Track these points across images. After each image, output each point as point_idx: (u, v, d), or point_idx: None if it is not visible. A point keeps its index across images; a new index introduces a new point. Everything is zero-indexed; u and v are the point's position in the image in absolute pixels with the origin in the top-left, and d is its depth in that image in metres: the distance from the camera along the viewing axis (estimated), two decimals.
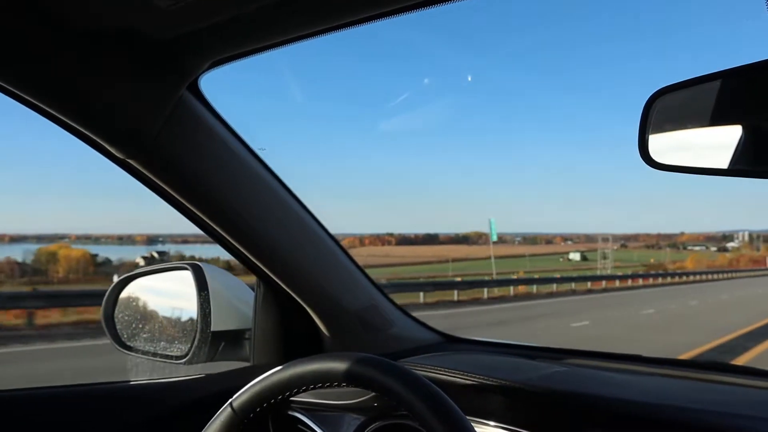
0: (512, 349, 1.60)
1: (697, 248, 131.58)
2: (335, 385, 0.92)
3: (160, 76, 1.00)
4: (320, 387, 0.93)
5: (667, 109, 0.72)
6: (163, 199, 1.20)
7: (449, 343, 1.65)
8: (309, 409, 1.29)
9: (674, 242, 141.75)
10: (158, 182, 1.15)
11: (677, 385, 1.27)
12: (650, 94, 0.74)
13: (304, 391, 0.94)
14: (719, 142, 0.68)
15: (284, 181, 1.28)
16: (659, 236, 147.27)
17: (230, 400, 0.96)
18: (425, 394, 0.85)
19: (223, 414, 0.96)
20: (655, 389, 1.22)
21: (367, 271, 1.51)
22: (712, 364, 1.41)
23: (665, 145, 0.74)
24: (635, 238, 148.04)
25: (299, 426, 1.28)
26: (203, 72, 1.04)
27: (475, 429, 1.10)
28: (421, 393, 0.86)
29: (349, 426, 1.23)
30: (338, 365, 0.91)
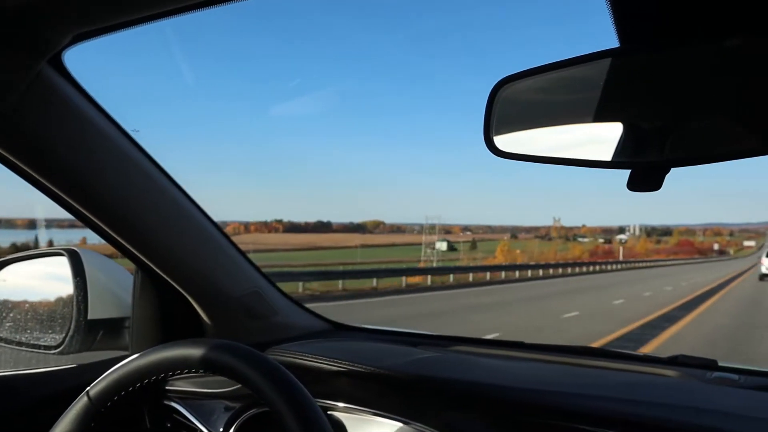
0: (399, 336, 1.64)
1: (585, 240, 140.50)
2: (194, 372, 0.91)
3: (14, 48, 0.91)
4: (179, 374, 0.92)
5: (513, 97, 0.73)
6: (27, 181, 1.13)
7: (338, 330, 1.67)
8: (185, 398, 1.28)
9: (565, 234, 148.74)
10: (18, 163, 1.08)
11: (551, 370, 1.33)
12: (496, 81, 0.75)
13: (163, 378, 0.93)
14: (562, 132, 0.70)
15: (162, 165, 1.24)
16: (561, 228, 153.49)
17: (87, 389, 0.95)
18: (273, 378, 0.87)
19: (80, 403, 0.94)
20: (529, 374, 1.26)
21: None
22: (588, 349, 1.47)
23: (509, 133, 0.75)
24: (536, 230, 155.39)
25: (175, 415, 1.26)
26: (67, 46, 0.97)
27: (327, 411, 1.17)
28: (269, 377, 0.87)
29: (223, 414, 1.24)
30: (194, 352, 0.90)
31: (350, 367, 1.20)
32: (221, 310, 1.44)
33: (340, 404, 1.19)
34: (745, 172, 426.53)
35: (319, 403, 0.95)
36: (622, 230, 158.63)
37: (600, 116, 0.66)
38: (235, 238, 1.47)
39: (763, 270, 28.88)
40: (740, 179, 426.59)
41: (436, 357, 1.35)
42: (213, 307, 1.43)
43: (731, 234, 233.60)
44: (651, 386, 1.18)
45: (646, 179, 0.62)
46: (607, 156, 0.65)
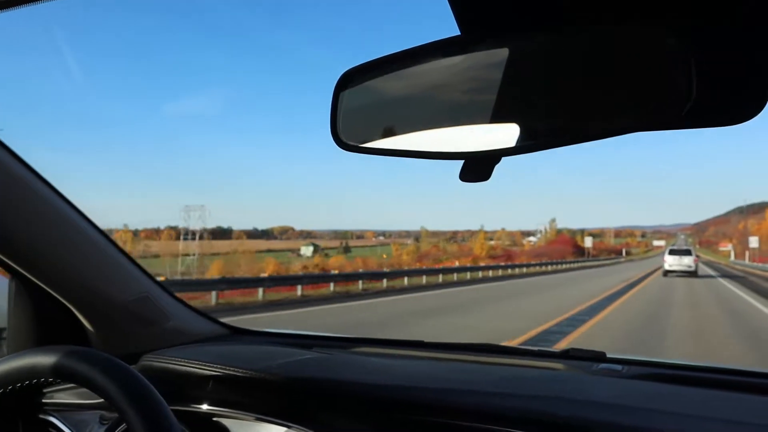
0: (297, 339, 1.67)
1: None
2: (44, 381, 0.91)
3: None
4: (30, 384, 0.92)
5: (358, 89, 0.73)
6: None
7: (234, 335, 1.68)
8: (62, 410, 1.26)
9: (460, 237, 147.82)
10: None
11: (444, 368, 1.36)
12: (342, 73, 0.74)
13: (12, 390, 0.93)
14: (403, 124, 0.70)
15: (34, 168, 1.22)
16: (465, 232, 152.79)
17: None
18: (125, 386, 0.86)
19: None
20: (419, 372, 1.28)
21: None
22: (487, 346, 1.49)
23: (355, 125, 0.74)
24: (444, 234, 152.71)
25: (50, 429, 1.23)
26: None
27: (213, 417, 1.19)
28: (121, 384, 0.86)
29: (99, 426, 1.22)
30: (43, 360, 0.89)
31: (225, 371, 1.20)
32: (105, 318, 1.43)
33: (217, 409, 1.19)
34: (659, 176, 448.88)
35: (192, 409, 1.09)
36: (530, 233, 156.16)
37: (438, 107, 0.68)
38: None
39: (666, 267, 31.42)
40: (655, 182, 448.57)
41: (321, 358, 1.37)
42: (96, 315, 1.42)
43: (643, 235, 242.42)
44: (536, 379, 1.22)
45: (476, 170, 0.65)
46: (444, 147, 0.66)
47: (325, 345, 1.57)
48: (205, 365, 1.20)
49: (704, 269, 41.83)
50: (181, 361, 1.23)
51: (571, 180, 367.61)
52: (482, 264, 43.88)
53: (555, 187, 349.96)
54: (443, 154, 0.66)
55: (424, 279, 23.71)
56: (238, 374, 1.18)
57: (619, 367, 1.28)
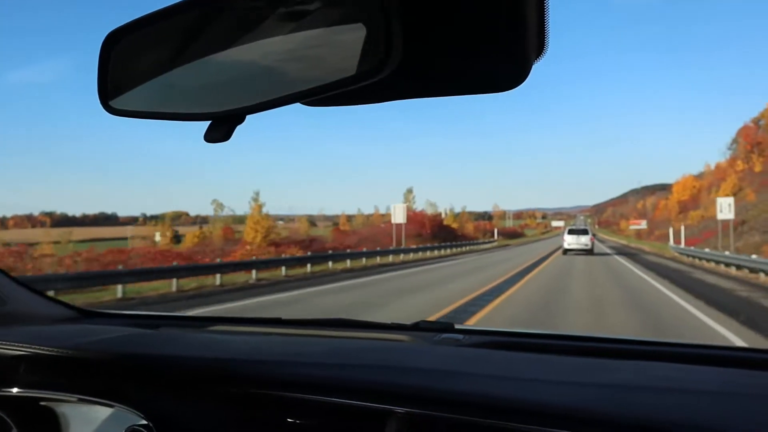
0: (147, 320, 1.64)
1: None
2: None
3: None
4: None
5: (124, 50, 0.69)
6: None
7: (84, 317, 1.63)
8: None
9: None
10: None
11: (293, 343, 1.37)
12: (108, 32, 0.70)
13: None
14: (162, 85, 0.67)
15: None
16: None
17: None
18: None
19: None
20: (259, 347, 1.29)
21: None
22: (344, 321, 1.56)
23: (123, 89, 0.70)
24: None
25: None
26: None
27: (36, 400, 1.17)
28: None
29: None
30: None
31: (36, 351, 1.17)
32: None
33: (33, 391, 1.17)
34: (558, 162, 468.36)
35: (3, 393, 1.09)
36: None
37: (190, 68, 0.65)
38: None
39: (565, 245, 33.31)
40: (556, 167, 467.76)
41: (157, 335, 1.39)
42: None
43: (544, 216, 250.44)
44: (379, 350, 1.26)
45: (219, 129, 0.63)
46: (193, 108, 0.66)
47: (178, 324, 1.59)
48: (12, 345, 1.17)
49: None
50: None
51: (477, 166, 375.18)
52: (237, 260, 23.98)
53: (461, 171, 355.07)
54: (193, 115, 0.65)
55: None
56: (51, 353, 1.15)
57: (460, 336, 1.34)
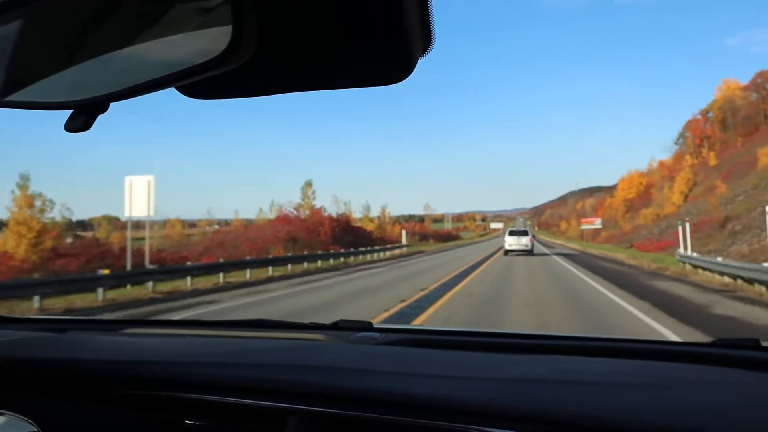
0: (57, 324, 1.59)
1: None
2: None
3: None
4: None
5: (7, 33, 0.65)
6: None
7: None
8: None
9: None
10: None
11: (205, 344, 1.34)
12: None
13: None
14: (36, 73, 0.64)
15: None
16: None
17: None
18: None
19: None
20: (169, 349, 1.27)
21: None
22: (263, 322, 1.57)
23: (4, 77, 0.66)
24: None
25: None
26: None
27: None
28: None
29: None
30: None
31: None
32: None
33: None
34: (497, 165, 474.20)
35: None
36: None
37: (48, 55, 0.64)
38: None
39: (506, 246, 34.50)
40: (495, 171, 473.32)
41: (58, 339, 1.33)
42: None
43: (483, 219, 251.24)
44: (295, 350, 1.26)
45: (80, 118, 0.61)
46: (54, 97, 0.64)
47: (89, 328, 1.54)
48: None
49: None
50: None
51: (410, 168, 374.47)
52: None
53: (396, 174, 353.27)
54: (54, 104, 0.63)
55: None
56: None
57: (377, 334, 1.34)
